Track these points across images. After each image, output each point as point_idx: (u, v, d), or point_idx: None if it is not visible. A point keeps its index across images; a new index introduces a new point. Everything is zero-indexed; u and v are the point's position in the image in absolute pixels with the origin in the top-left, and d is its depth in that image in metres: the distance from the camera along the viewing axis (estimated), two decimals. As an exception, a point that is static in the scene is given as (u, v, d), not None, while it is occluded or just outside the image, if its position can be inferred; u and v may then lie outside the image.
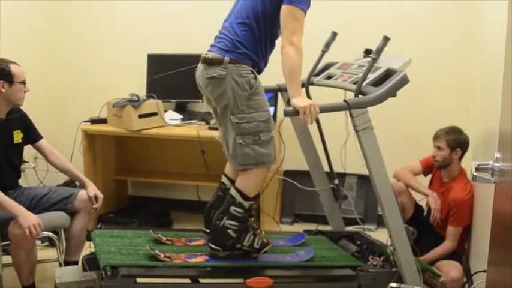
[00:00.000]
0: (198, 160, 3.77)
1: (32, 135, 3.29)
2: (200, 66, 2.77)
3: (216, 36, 2.81)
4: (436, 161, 3.46)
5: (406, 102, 3.46)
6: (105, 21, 4.61)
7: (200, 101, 4.17)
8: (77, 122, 4.11)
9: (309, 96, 3.31)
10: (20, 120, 3.22)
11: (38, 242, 3.66)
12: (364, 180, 4.31)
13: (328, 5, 4.01)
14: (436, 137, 3.46)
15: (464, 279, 3.17)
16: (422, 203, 3.64)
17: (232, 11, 2.82)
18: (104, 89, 4.50)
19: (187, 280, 2.81)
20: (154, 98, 4.09)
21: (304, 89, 3.26)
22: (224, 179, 2.99)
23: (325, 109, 2.69)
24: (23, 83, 3.09)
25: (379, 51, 2.78)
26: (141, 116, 3.94)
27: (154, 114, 4.02)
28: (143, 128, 3.95)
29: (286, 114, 2.67)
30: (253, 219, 2.94)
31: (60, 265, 3.20)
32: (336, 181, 3.51)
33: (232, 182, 2.88)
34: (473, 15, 3.92)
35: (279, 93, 3.55)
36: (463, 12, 4.00)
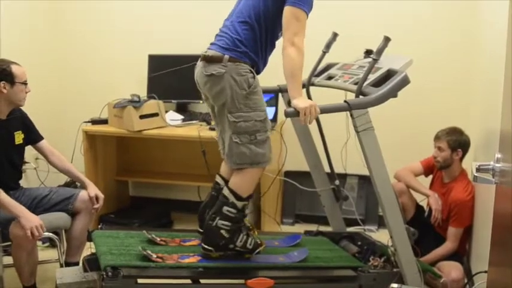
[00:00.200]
0: (199, 160, 3.77)
1: (33, 136, 3.29)
2: (199, 64, 2.77)
3: (217, 35, 2.81)
4: (437, 161, 3.46)
5: (406, 102, 3.46)
6: (105, 21, 4.62)
7: (201, 101, 4.17)
8: (77, 122, 4.12)
9: (309, 97, 3.31)
10: (20, 120, 3.22)
11: (39, 243, 3.65)
12: (365, 181, 4.31)
13: (329, 6, 4.01)
14: (437, 138, 3.46)
15: (465, 280, 3.16)
16: (423, 203, 3.63)
17: (233, 10, 2.82)
18: (104, 90, 4.51)
19: (188, 281, 2.81)
20: (155, 98, 4.09)
21: (305, 90, 3.26)
22: (218, 179, 2.98)
23: (326, 110, 2.69)
24: (24, 83, 3.09)
25: (379, 51, 2.77)
26: (141, 117, 3.94)
27: (155, 114, 4.02)
28: (144, 128, 3.95)
29: (286, 115, 2.67)
30: (247, 219, 2.93)
31: (61, 266, 3.20)
32: (337, 182, 3.51)
33: (227, 182, 2.88)
34: (474, 15, 3.92)
35: (280, 94, 3.55)
36: (463, 12, 4.00)
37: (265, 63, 2.81)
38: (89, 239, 3.15)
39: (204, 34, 2.88)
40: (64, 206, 3.15)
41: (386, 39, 2.74)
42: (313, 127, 3.43)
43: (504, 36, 1.74)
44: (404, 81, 2.73)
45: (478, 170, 1.62)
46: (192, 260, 2.79)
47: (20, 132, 3.20)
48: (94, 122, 4.16)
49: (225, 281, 2.81)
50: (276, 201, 4.21)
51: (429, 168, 3.61)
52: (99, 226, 3.31)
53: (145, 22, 4.53)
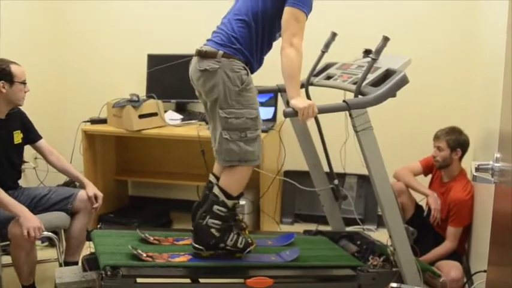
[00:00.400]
0: (198, 160, 3.77)
1: (32, 136, 3.29)
2: (194, 59, 2.77)
3: (213, 31, 2.82)
4: (436, 161, 3.46)
5: (405, 102, 3.46)
6: (105, 21, 4.62)
7: (200, 101, 4.17)
8: (77, 122, 4.12)
9: (308, 97, 3.31)
10: (19, 120, 3.22)
11: (38, 242, 3.66)
12: (364, 181, 4.31)
13: (328, 5, 4.01)
14: (436, 137, 3.46)
15: (465, 279, 3.17)
16: (423, 203, 3.64)
17: (232, 7, 2.82)
18: (104, 89, 4.51)
19: (187, 280, 2.81)
20: (154, 98, 4.09)
21: (303, 90, 3.26)
22: (211, 178, 2.98)
23: (324, 110, 2.69)
24: (24, 83, 3.09)
25: (378, 51, 2.78)
26: (141, 116, 3.94)
27: (154, 114, 4.02)
28: (143, 128, 3.95)
29: (285, 115, 2.67)
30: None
31: (60, 265, 3.20)
32: (336, 181, 3.51)
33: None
34: (473, 15, 3.92)
35: (279, 94, 3.54)
36: (463, 12, 4.00)
37: (260, 63, 2.81)
38: (88, 239, 3.15)
39: (203, 34, 2.88)
40: (63, 205, 3.15)
41: (385, 39, 2.74)
42: (312, 127, 3.44)
43: (504, 36, 1.74)
44: (403, 81, 2.73)
45: (477, 169, 1.62)
46: (183, 259, 2.79)
47: (19, 131, 3.20)
48: (93, 121, 4.16)
49: (224, 281, 2.81)
50: (275, 201, 4.21)
51: (428, 168, 3.61)
52: (98, 226, 3.31)
53: (145, 22, 4.53)
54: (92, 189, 3.21)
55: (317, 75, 3.32)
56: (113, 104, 4.00)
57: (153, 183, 4.58)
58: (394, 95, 2.75)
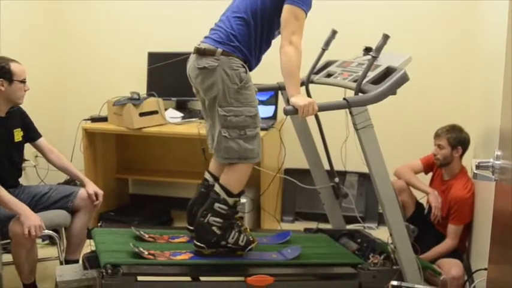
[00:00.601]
0: (198, 158, 3.77)
1: (32, 134, 3.29)
2: (192, 57, 2.76)
3: (211, 29, 2.81)
4: (437, 159, 3.45)
5: (406, 100, 3.46)
6: (105, 19, 4.61)
7: (197, 98, 4.17)
8: (77, 120, 4.11)
9: (308, 95, 3.31)
10: (20, 118, 3.21)
11: (39, 241, 3.66)
12: (364, 178, 4.31)
13: (328, 3, 4.01)
14: (437, 135, 3.45)
15: (465, 277, 3.16)
16: (423, 201, 3.63)
17: (230, 5, 2.82)
18: (104, 88, 4.50)
19: (188, 278, 2.82)
20: (154, 96, 4.09)
21: (304, 87, 3.26)
22: (207, 176, 2.98)
23: (325, 107, 2.69)
24: (23, 81, 3.08)
25: (379, 49, 2.77)
26: (141, 114, 3.94)
27: (155, 112, 4.02)
28: (144, 126, 3.95)
29: (285, 113, 2.67)
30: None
31: (61, 263, 3.20)
32: (337, 179, 3.50)
33: (216, 179, 2.88)
34: (473, 14, 3.92)
35: (279, 92, 3.54)
36: (463, 11, 4.00)
37: (258, 61, 2.81)
38: (89, 237, 3.16)
39: (204, 31, 2.87)
40: (64, 203, 3.15)
41: (386, 37, 2.74)
42: (312, 125, 3.44)
43: (504, 34, 1.74)
44: (404, 79, 2.73)
45: (478, 167, 1.62)
46: (184, 257, 2.79)
47: (19, 129, 3.20)
48: (94, 119, 4.16)
49: (225, 279, 2.81)
50: (275, 199, 4.21)
51: (429, 166, 3.61)
52: (99, 224, 3.32)
53: (145, 20, 4.52)
54: (91, 187, 3.21)
55: (317, 73, 3.32)
56: (114, 102, 4.00)
57: (154, 181, 4.58)
58: (394, 93, 2.75)
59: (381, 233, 3.68)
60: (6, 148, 3.12)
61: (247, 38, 2.69)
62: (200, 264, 2.78)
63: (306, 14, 2.62)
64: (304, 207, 4.49)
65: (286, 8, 2.60)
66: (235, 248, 2.83)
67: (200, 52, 2.70)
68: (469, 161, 2.84)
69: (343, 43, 3.32)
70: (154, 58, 4.38)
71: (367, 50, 2.93)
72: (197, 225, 2.79)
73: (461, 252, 3.44)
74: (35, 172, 4.01)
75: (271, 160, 3.87)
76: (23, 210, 2.85)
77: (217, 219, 2.75)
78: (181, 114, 4.21)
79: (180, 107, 4.38)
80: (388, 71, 2.83)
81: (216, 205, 2.75)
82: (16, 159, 3.21)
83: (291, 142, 3.64)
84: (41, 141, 3.32)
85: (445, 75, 4.12)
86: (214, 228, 2.75)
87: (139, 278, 2.66)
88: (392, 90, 2.73)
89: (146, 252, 2.72)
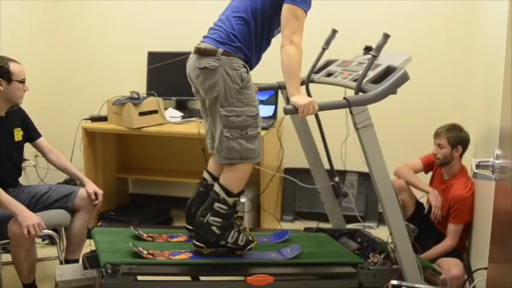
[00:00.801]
0: (198, 158, 3.76)
1: (31, 133, 3.28)
2: (192, 57, 2.76)
3: (210, 28, 2.81)
4: (437, 158, 3.45)
5: (406, 99, 3.45)
6: (105, 19, 4.61)
7: (197, 98, 4.17)
8: (77, 119, 4.11)
9: (309, 94, 3.31)
10: (19, 118, 3.21)
11: (39, 240, 3.66)
12: (364, 178, 4.30)
13: (328, 2, 4.01)
14: (437, 135, 3.45)
15: (465, 277, 3.16)
16: (423, 200, 3.63)
17: (229, 4, 2.82)
18: (104, 87, 4.50)
19: (188, 278, 2.81)
20: (154, 95, 4.09)
21: (304, 87, 3.26)
22: (206, 175, 2.98)
23: (325, 107, 2.69)
24: (22, 81, 3.07)
25: (379, 48, 2.77)
26: (141, 114, 3.94)
27: (155, 111, 4.02)
28: (143, 125, 3.95)
29: (285, 112, 2.66)
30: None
31: (61, 263, 3.19)
32: (337, 179, 3.50)
33: (214, 178, 2.87)
34: (474, 13, 3.91)
35: (280, 91, 3.54)
36: (463, 10, 3.99)
37: (258, 60, 2.80)
38: (89, 237, 3.15)
39: (204, 32, 2.87)
40: (63, 203, 3.15)
41: (386, 36, 2.74)
42: (312, 124, 3.43)
43: (504, 33, 1.74)
44: (404, 78, 2.73)
45: (478, 166, 1.61)
46: (183, 256, 2.79)
47: (19, 129, 3.20)
48: (93, 119, 4.15)
49: (225, 278, 2.81)
50: (275, 199, 4.21)
51: (429, 165, 3.61)
52: (99, 223, 3.32)
53: (145, 19, 4.52)
54: (91, 186, 3.20)
55: (317, 72, 3.31)
56: (113, 101, 4.00)
57: (154, 180, 4.58)
58: (394, 92, 2.75)
59: (381, 233, 3.68)
60: (6, 148, 3.12)
61: (247, 38, 2.69)
62: (200, 264, 2.77)
63: (306, 13, 2.62)
64: (304, 207, 4.48)
65: (286, 8, 2.60)
66: (234, 248, 2.83)
67: (201, 52, 2.69)
68: (469, 160, 2.84)
69: (344, 42, 3.32)
70: (154, 58, 4.38)
71: (368, 49, 2.93)
72: (196, 224, 2.79)
73: (461, 251, 3.44)
74: (34, 172, 4.00)
75: (272, 160, 3.86)
76: (20, 211, 2.84)
77: (217, 219, 2.74)
78: (181, 114, 4.21)
79: (180, 106, 4.38)
80: (389, 70, 2.83)
81: (216, 205, 2.74)
82: (16, 159, 3.21)
83: (291, 141, 3.64)
84: (41, 140, 3.32)
85: (445, 74, 4.12)
86: (213, 227, 2.75)
87: (139, 278, 2.66)
88: (392, 90, 2.72)
89: (145, 252, 2.72)
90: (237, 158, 2.73)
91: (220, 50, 2.65)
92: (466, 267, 3.29)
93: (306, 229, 3.59)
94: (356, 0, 4.16)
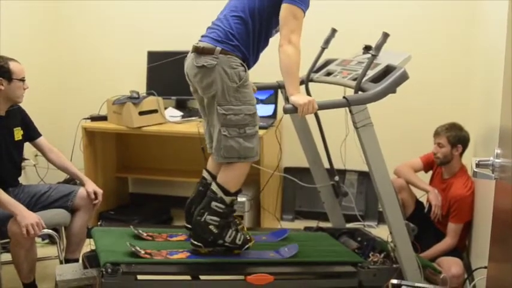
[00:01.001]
0: (198, 157, 3.76)
1: (31, 133, 3.28)
2: (190, 55, 2.76)
3: (208, 27, 2.81)
4: (437, 157, 3.45)
5: (406, 98, 3.45)
6: (105, 18, 4.61)
7: (195, 97, 4.17)
8: (77, 119, 4.11)
9: (308, 93, 3.31)
10: (19, 117, 3.21)
11: (39, 240, 3.66)
12: (364, 177, 4.30)
13: (328, 1, 4.01)
14: (437, 134, 3.45)
15: (465, 276, 3.16)
16: (423, 199, 3.63)
17: (227, 4, 2.82)
18: (104, 86, 4.50)
19: (188, 277, 2.81)
20: (154, 95, 4.09)
21: (303, 86, 3.26)
22: (205, 174, 2.98)
23: (324, 106, 2.69)
24: (22, 80, 3.08)
25: (378, 47, 2.77)
26: (141, 113, 3.94)
27: (155, 111, 4.02)
28: (143, 125, 3.95)
29: (285, 111, 2.66)
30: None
31: (61, 262, 3.19)
32: (337, 178, 3.50)
33: (214, 177, 2.87)
34: (474, 12, 3.91)
35: (279, 90, 3.54)
36: (464, 9, 3.99)
37: (256, 59, 2.80)
38: (89, 236, 3.16)
39: (204, 31, 2.87)
40: (63, 202, 3.15)
41: (385, 35, 2.74)
42: (312, 123, 3.43)
43: (504, 33, 1.74)
44: (403, 77, 2.73)
45: (478, 165, 1.61)
46: (181, 256, 2.79)
47: (19, 128, 3.20)
48: (93, 118, 4.15)
49: (225, 277, 2.81)
50: (275, 198, 4.21)
51: (429, 164, 3.61)
52: (99, 223, 3.32)
53: (145, 19, 4.52)
54: (91, 186, 3.20)
55: (317, 71, 3.32)
56: (113, 101, 4.00)
57: (154, 180, 4.58)
58: (394, 91, 2.75)
59: (380, 232, 3.68)
60: (6, 147, 3.12)
61: (245, 37, 2.69)
62: (199, 263, 2.77)
63: (304, 13, 2.62)
64: (304, 206, 4.48)
65: (285, 7, 2.60)
66: (232, 247, 2.83)
67: (199, 51, 2.70)
68: (469, 159, 2.84)
69: (343, 41, 3.32)
70: (153, 57, 4.38)
71: (367, 49, 2.93)
72: (194, 224, 2.79)
73: (461, 250, 3.44)
74: (34, 171, 4.01)
75: (272, 159, 3.87)
76: (19, 211, 2.84)
77: (214, 218, 2.74)
78: (181, 113, 4.21)
79: (180, 105, 4.38)
80: (388, 70, 2.83)
81: (213, 204, 2.75)
82: (16, 158, 3.21)
83: (291, 140, 3.64)
84: (41, 140, 3.32)
85: (445, 73, 4.12)
86: (211, 227, 2.75)
87: (139, 277, 2.66)
88: (392, 89, 2.72)
89: (143, 252, 2.72)
90: (235, 157, 2.73)
91: (218, 48, 2.65)
92: (466, 266, 3.29)
93: (306, 228, 3.59)
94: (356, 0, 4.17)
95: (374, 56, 2.79)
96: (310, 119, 3.33)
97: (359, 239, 3.34)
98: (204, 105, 2.81)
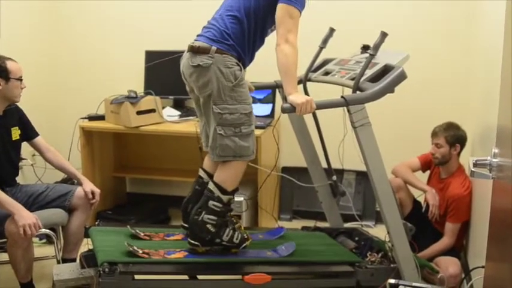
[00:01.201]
0: (196, 156, 3.75)
1: (29, 132, 3.28)
2: (186, 55, 2.76)
3: (204, 27, 2.81)
4: (435, 158, 3.45)
5: (404, 98, 3.45)
6: (103, 18, 4.60)
7: (191, 96, 4.16)
8: (74, 118, 4.11)
9: (306, 93, 3.30)
10: (17, 116, 3.21)
11: (36, 239, 3.66)
12: (362, 177, 4.31)
13: (326, 1, 4.00)
14: (434, 134, 3.45)
15: (463, 275, 3.17)
16: (421, 199, 3.63)
17: (223, 3, 2.82)
18: (101, 86, 4.49)
19: (185, 276, 2.81)
20: (152, 94, 4.08)
21: (301, 85, 3.26)
22: (201, 173, 2.99)
23: (322, 105, 2.69)
24: (20, 79, 3.07)
25: (376, 47, 2.77)
26: (138, 113, 3.93)
27: (152, 110, 4.01)
28: (141, 124, 3.95)
29: (283, 111, 2.66)
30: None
31: (58, 262, 3.19)
32: (334, 177, 3.50)
33: (210, 176, 2.87)
34: (473, 12, 3.91)
35: (277, 90, 3.54)
36: (463, 9, 3.99)
37: (251, 59, 2.81)
38: (86, 236, 3.15)
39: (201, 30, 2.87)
40: (61, 202, 3.15)
41: (383, 35, 2.74)
42: (310, 123, 3.43)
43: (502, 32, 1.74)
44: (401, 77, 2.73)
45: (475, 165, 1.61)
46: (179, 255, 2.79)
47: (17, 128, 3.19)
48: (91, 118, 4.15)
49: (222, 277, 2.81)
50: (273, 197, 4.20)
51: (426, 164, 3.61)
52: (96, 222, 3.31)
53: (142, 19, 4.51)
54: (88, 185, 3.20)
55: (315, 71, 3.31)
56: (111, 100, 4.00)
57: (151, 179, 4.58)
58: (392, 91, 2.74)
59: (378, 231, 3.68)
60: (3, 146, 3.11)
61: (240, 36, 2.69)
62: (197, 263, 2.77)
63: (301, 13, 2.62)
64: (301, 206, 4.49)
65: (281, 7, 2.60)
66: (229, 246, 2.83)
67: (194, 50, 2.70)
68: (467, 158, 2.84)
69: (341, 41, 3.32)
70: (151, 56, 4.37)
71: (365, 48, 2.93)
72: (191, 223, 2.79)
73: (458, 250, 3.44)
74: (32, 171, 4.00)
75: (269, 158, 3.86)
76: (17, 210, 2.84)
77: (212, 217, 2.74)
78: (179, 113, 4.21)
79: (178, 105, 4.38)
80: (386, 69, 2.83)
81: (210, 203, 2.75)
82: (13, 158, 3.21)
83: (289, 140, 3.63)
84: (38, 139, 3.31)
85: (443, 73, 4.12)
86: (208, 226, 2.75)
87: (137, 277, 2.65)
88: (390, 88, 2.72)
89: (140, 251, 2.72)
90: (231, 156, 2.73)
91: (214, 48, 2.65)
92: (464, 266, 3.30)
93: (304, 228, 3.59)
94: (355, -1, 4.16)
95: (372, 56, 2.79)
96: (308, 118, 3.33)
97: (357, 238, 3.34)
98: (200, 104, 2.82)
